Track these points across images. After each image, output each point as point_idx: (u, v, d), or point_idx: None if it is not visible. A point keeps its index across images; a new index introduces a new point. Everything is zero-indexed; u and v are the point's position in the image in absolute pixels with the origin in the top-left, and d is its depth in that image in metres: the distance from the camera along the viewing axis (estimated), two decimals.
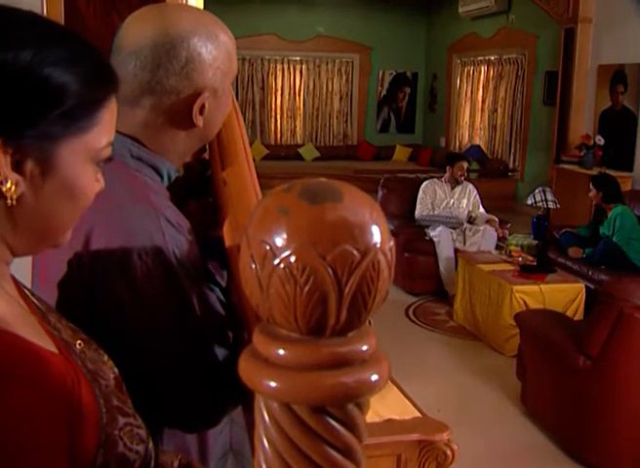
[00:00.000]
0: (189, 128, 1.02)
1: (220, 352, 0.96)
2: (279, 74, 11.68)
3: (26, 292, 0.75)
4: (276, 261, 0.51)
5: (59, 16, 1.32)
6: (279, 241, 0.51)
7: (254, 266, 0.53)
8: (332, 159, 11.27)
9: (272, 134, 11.82)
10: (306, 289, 0.51)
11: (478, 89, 10.35)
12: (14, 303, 0.68)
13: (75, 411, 0.63)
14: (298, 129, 11.97)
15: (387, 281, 0.54)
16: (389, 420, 1.89)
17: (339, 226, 0.51)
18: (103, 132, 0.72)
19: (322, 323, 0.53)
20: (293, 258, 0.51)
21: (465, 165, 5.77)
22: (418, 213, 5.81)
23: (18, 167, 0.64)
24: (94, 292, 0.91)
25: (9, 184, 0.63)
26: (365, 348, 0.56)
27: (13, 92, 0.63)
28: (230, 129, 1.15)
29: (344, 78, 11.91)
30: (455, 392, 3.88)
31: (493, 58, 9.86)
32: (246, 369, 0.55)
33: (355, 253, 0.51)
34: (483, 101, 10.24)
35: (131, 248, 0.90)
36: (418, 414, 1.95)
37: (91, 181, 0.72)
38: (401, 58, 11.78)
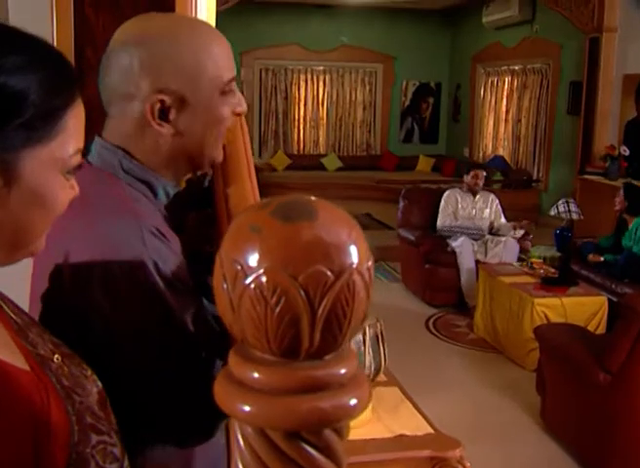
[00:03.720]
0: (160, 136, 1.00)
1: (207, 366, 0.94)
2: (302, 84, 11.70)
3: (4, 305, 0.74)
4: (247, 281, 0.50)
5: (68, 29, 1.33)
6: (250, 260, 0.50)
7: (225, 286, 0.51)
8: (355, 169, 11.25)
9: (295, 144, 11.84)
10: (277, 310, 0.49)
11: (502, 99, 10.27)
12: None
13: (43, 429, 0.62)
14: (321, 139, 11.97)
15: (365, 302, 0.52)
16: (401, 436, 1.87)
17: (311, 246, 0.49)
18: (69, 139, 0.69)
19: (295, 345, 0.51)
20: (264, 279, 0.49)
21: (481, 173, 5.71)
22: (439, 222, 5.76)
23: None
24: (76, 305, 0.90)
25: None
26: (343, 371, 0.54)
27: None
28: (233, 143, 1.15)
29: (368, 88, 11.90)
30: (473, 406, 3.82)
31: (517, 67, 9.78)
32: (220, 391, 0.53)
33: (329, 273, 0.49)
34: (507, 112, 10.15)
35: (110, 259, 0.89)
36: (430, 430, 1.91)
37: (61, 189, 0.70)
38: (425, 69, 11.75)
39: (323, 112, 11.90)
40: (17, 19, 1.35)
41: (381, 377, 2.05)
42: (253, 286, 0.49)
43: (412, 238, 5.85)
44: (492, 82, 10.52)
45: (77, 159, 0.71)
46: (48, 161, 0.67)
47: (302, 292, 0.49)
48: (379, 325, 1.90)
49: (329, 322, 0.50)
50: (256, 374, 0.52)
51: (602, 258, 5.01)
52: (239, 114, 1.08)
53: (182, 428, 0.94)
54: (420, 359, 4.41)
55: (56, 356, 0.73)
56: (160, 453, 0.95)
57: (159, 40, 0.98)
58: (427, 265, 5.55)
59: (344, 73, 11.75)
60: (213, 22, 1.59)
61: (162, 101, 0.97)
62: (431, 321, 5.26)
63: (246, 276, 0.50)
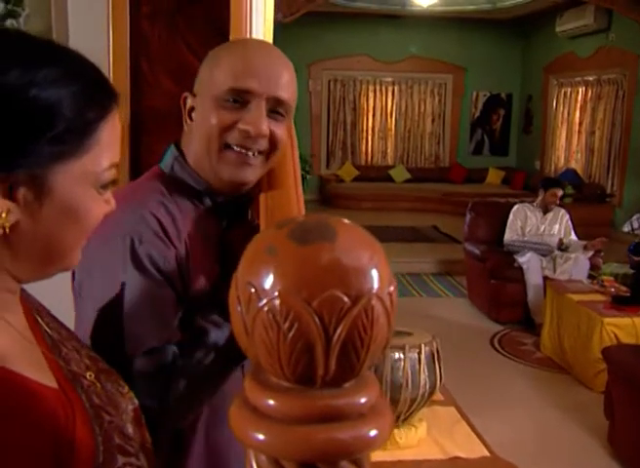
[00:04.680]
0: (189, 133, 1.10)
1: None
2: (371, 95, 11.68)
3: (40, 319, 0.74)
4: (260, 304, 0.48)
5: (124, 41, 1.36)
6: (264, 283, 0.48)
7: (239, 309, 0.50)
8: (423, 181, 11.13)
9: (363, 155, 11.81)
10: (290, 336, 0.47)
11: (575, 110, 9.96)
12: (13, 335, 0.66)
13: (66, 447, 0.62)
14: (389, 150, 11.91)
15: (385, 329, 0.50)
16: (455, 458, 1.81)
17: (327, 269, 0.47)
18: (102, 153, 0.68)
19: (310, 372, 0.49)
20: (277, 302, 0.47)
21: (559, 192, 5.53)
22: (507, 237, 5.61)
23: (10, 194, 0.62)
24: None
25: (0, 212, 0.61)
26: (363, 400, 0.51)
27: None
28: (281, 153, 1.14)
29: (437, 99, 11.77)
30: (536, 429, 3.68)
31: (591, 78, 9.48)
32: (235, 417, 0.52)
33: (345, 298, 0.47)
34: (580, 123, 9.84)
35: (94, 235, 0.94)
36: (486, 453, 1.85)
37: (94, 204, 0.69)
38: (495, 79, 11.54)
39: (391, 123, 11.85)
40: (75, 30, 1.39)
41: (438, 396, 2.00)
42: (266, 309, 0.48)
43: (477, 252, 5.73)
44: (564, 93, 10.24)
45: (111, 174, 0.70)
46: (80, 175, 0.66)
47: (316, 318, 0.47)
48: (435, 343, 1.85)
49: (345, 349, 0.48)
50: (271, 401, 0.50)
51: None
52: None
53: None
54: (483, 377, 4.29)
55: (89, 373, 0.72)
56: None
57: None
58: (493, 281, 5.41)
59: (413, 84, 11.66)
60: (270, 34, 1.59)
61: (185, 98, 1.09)
62: (496, 338, 5.12)
63: (259, 299, 0.48)
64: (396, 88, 11.68)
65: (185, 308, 1.00)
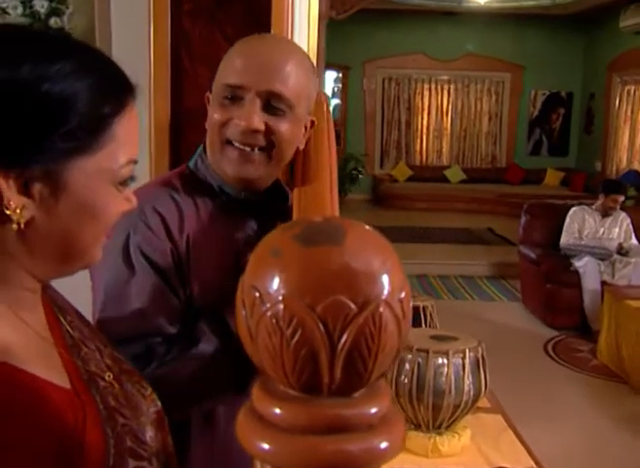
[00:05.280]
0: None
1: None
2: (426, 94, 11.56)
3: (62, 318, 0.73)
4: (264, 309, 0.46)
5: (165, 38, 1.36)
6: (268, 287, 0.46)
7: (244, 313, 0.48)
8: (478, 182, 10.94)
9: (417, 155, 11.70)
10: (293, 342, 0.45)
11: (639, 109, 9.64)
12: (28, 333, 0.65)
13: (74, 448, 0.61)
14: (444, 150, 11.77)
15: (395, 337, 0.47)
16: None
17: (333, 273, 0.45)
18: (118, 149, 0.66)
19: (315, 381, 0.46)
20: (280, 307, 0.45)
21: (620, 199, 5.32)
22: (563, 240, 5.46)
23: (25, 189, 0.62)
24: None
25: (13, 208, 0.61)
26: (374, 411, 0.49)
27: (10, 113, 0.59)
28: (317, 148, 1.12)
29: (494, 98, 11.56)
30: (588, 440, 3.55)
31: None
32: (241, 425, 0.50)
33: (351, 304, 0.45)
34: None
35: None
36: (533, 465, 1.79)
37: (111, 201, 0.67)
38: (555, 78, 11.25)
39: (447, 122, 11.70)
40: (117, 28, 1.40)
41: (484, 403, 1.94)
42: (269, 314, 0.46)
43: (533, 256, 5.59)
44: (628, 91, 9.90)
45: (129, 170, 0.69)
46: (95, 171, 0.65)
47: (321, 324, 0.45)
48: (480, 348, 1.80)
49: (351, 357, 0.46)
50: (277, 410, 0.48)
51: None
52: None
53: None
54: (535, 384, 4.18)
55: (107, 374, 0.72)
56: None
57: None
58: (549, 285, 5.27)
59: (470, 83, 11.49)
60: (314, 29, 1.58)
61: (207, 98, 1.11)
62: (550, 344, 4.98)
63: (263, 303, 0.46)
64: (452, 86, 11.53)
65: (189, 304, 1.01)
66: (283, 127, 1.06)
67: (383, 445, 0.48)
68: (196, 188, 1.09)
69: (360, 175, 9.87)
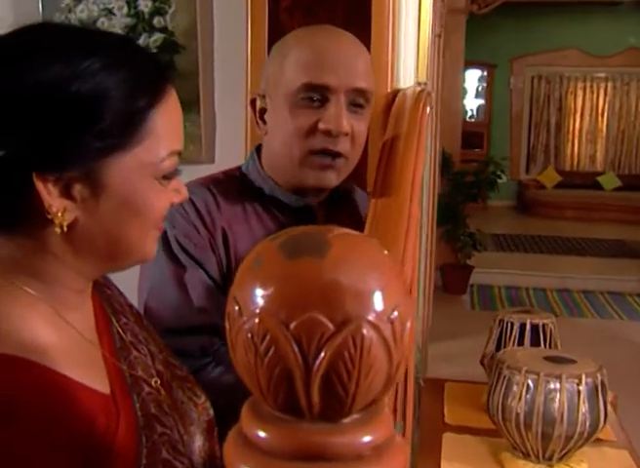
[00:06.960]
0: (264, 135, 1.07)
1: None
2: (580, 93, 10.91)
3: (115, 321, 0.73)
4: (241, 322, 0.43)
5: (262, 33, 1.37)
6: (247, 299, 0.43)
7: (228, 326, 0.46)
8: (636, 190, 10.15)
9: (568, 159, 11.08)
10: (266, 360, 0.42)
11: None
12: (71, 334, 0.65)
13: (103, 453, 0.60)
14: (598, 154, 11.05)
15: (382, 362, 0.43)
16: None
17: (311, 289, 0.42)
18: (158, 142, 0.65)
19: (292, 402, 0.43)
20: (255, 321, 0.42)
21: None
22: None
23: (66, 192, 0.62)
24: None
25: (55, 212, 0.61)
26: (366, 440, 0.45)
27: (41, 117, 0.59)
28: (405, 155, 1.07)
29: None
30: None
31: None
32: (227, 445, 0.48)
33: (328, 323, 0.41)
34: None
35: None
36: None
37: (155, 195, 0.66)
38: None
39: (602, 124, 10.99)
40: (219, 26, 1.44)
41: (609, 435, 1.75)
42: (246, 328, 0.43)
43: None
44: None
45: (172, 162, 0.67)
46: (135, 167, 0.64)
47: (294, 343, 0.41)
48: (599, 374, 1.63)
49: (328, 380, 0.42)
50: (260, 432, 0.45)
51: None
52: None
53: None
54: None
55: (154, 380, 0.70)
56: None
57: (271, 53, 1.11)
58: None
59: (631, 80, 10.71)
60: (426, 22, 1.52)
61: (253, 101, 1.06)
62: None
63: (241, 316, 0.44)
64: (609, 84, 10.81)
65: None
66: (362, 126, 1.03)
67: None
68: (242, 189, 1.07)
69: (499, 180, 9.48)
